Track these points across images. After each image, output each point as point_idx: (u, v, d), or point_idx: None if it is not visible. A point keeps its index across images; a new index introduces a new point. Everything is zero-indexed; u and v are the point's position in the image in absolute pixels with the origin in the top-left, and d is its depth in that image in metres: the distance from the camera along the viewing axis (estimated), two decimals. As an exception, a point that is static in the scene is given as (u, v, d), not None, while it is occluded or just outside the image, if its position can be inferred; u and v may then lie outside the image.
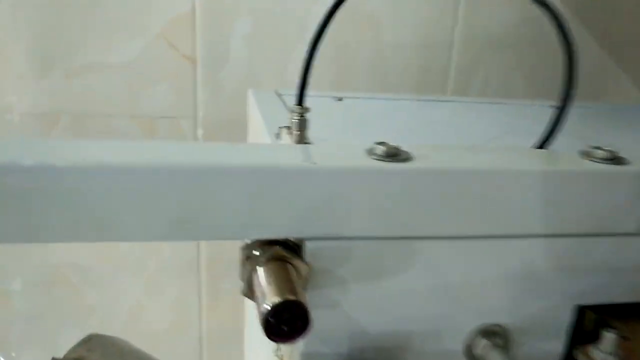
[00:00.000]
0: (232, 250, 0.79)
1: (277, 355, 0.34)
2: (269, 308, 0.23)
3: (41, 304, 0.78)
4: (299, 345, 0.29)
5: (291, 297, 0.24)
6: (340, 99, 0.57)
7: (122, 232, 0.25)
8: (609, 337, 0.27)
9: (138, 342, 0.33)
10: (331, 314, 0.28)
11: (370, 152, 0.28)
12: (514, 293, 0.30)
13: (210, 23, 0.72)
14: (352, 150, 0.28)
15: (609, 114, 0.61)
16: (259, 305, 0.24)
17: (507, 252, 0.29)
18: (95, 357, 0.27)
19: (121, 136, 0.72)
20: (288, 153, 0.27)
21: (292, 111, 0.36)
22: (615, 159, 0.30)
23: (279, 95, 0.53)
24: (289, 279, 0.25)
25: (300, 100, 0.36)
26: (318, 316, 0.28)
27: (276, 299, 0.24)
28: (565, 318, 0.31)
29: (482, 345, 0.30)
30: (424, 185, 0.27)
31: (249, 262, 0.26)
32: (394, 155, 0.27)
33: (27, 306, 0.78)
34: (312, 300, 0.28)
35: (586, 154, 0.31)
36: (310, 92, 0.35)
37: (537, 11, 0.32)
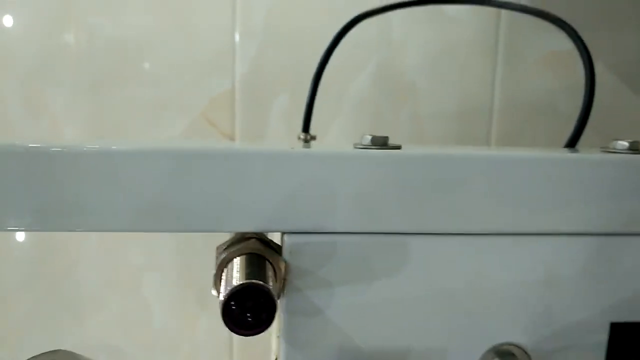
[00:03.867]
0: (266, 334, 0.77)
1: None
2: (232, 291, 0.21)
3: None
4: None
5: (256, 282, 0.22)
6: None
7: (89, 220, 0.24)
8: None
9: None
10: (314, 323, 0.26)
11: (357, 144, 0.27)
12: (533, 305, 0.26)
13: (248, 100, 0.75)
14: (340, 145, 0.27)
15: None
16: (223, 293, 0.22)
17: (522, 253, 0.26)
18: (59, 366, 0.25)
19: None
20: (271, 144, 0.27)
21: (299, 138, 0.36)
22: (637, 150, 0.27)
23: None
24: (260, 269, 0.23)
25: (306, 127, 0.36)
26: (298, 324, 0.26)
27: (240, 283, 0.22)
28: (598, 339, 0.27)
29: (497, 368, 0.26)
30: (416, 172, 0.25)
31: (223, 258, 0.25)
32: (381, 144, 0.26)
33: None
34: (292, 305, 0.26)
35: (606, 148, 0.28)
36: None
37: (577, 78, 0.32)
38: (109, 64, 0.73)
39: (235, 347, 0.82)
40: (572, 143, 0.32)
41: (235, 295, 0.22)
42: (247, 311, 0.22)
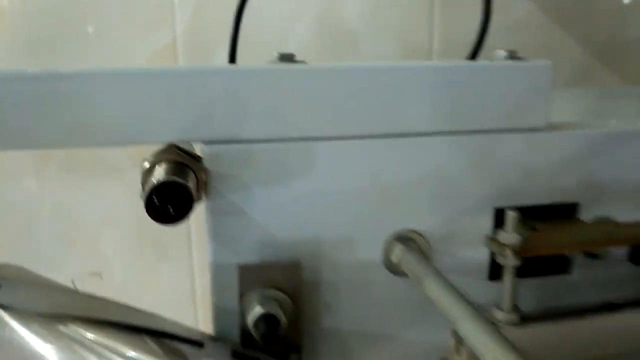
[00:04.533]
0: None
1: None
2: (154, 184, 0.25)
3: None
4: (208, 255, 0.30)
5: (175, 179, 0.25)
6: None
7: (21, 138, 0.27)
8: (511, 216, 0.27)
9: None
10: (237, 221, 0.29)
11: (267, 60, 0.30)
12: (428, 196, 0.31)
13: (191, 52, 0.77)
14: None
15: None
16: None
17: (414, 152, 0.30)
18: (8, 273, 0.29)
19: (114, 171, 0.76)
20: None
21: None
22: (515, 58, 0.31)
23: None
24: (180, 172, 0.27)
25: (232, 60, 0.39)
26: (222, 223, 0.29)
27: (162, 179, 0.25)
28: (484, 223, 0.31)
29: (398, 250, 0.30)
30: (318, 83, 0.29)
31: (148, 165, 0.28)
32: (288, 59, 0.29)
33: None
34: (216, 206, 0.29)
35: (491, 58, 0.32)
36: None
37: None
38: (47, 24, 0.73)
39: (198, 297, 0.85)
40: (472, 56, 0.36)
41: (157, 190, 0.25)
42: (168, 205, 0.25)
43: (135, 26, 0.75)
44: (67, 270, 0.78)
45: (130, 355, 0.26)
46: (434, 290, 0.26)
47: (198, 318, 0.86)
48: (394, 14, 0.81)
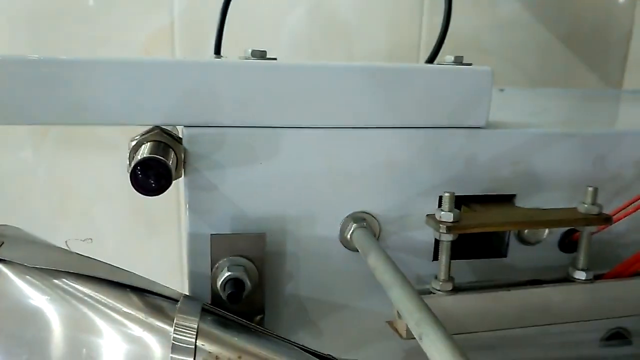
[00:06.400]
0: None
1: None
2: (138, 159, 0.29)
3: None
4: (186, 226, 0.34)
5: (157, 156, 0.30)
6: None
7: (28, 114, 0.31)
8: (446, 196, 0.32)
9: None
10: (211, 196, 0.34)
11: (242, 56, 0.34)
12: (380, 182, 0.35)
13: (188, 34, 0.81)
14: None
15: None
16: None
17: (368, 142, 0.35)
18: (8, 233, 0.33)
19: (109, 146, 0.80)
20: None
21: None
22: (460, 64, 0.35)
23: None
24: (162, 150, 0.31)
25: (217, 50, 0.44)
26: (199, 198, 0.34)
27: (145, 155, 0.30)
28: (430, 209, 0.36)
29: (351, 228, 0.35)
30: (280, 79, 0.33)
31: (134, 144, 0.33)
32: (259, 56, 0.34)
33: None
34: (192, 182, 0.34)
35: (440, 62, 0.37)
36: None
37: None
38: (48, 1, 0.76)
39: (185, 267, 0.90)
40: (430, 60, 0.40)
41: (141, 164, 0.30)
42: (150, 178, 0.30)
43: (134, 5, 0.79)
44: (60, 239, 0.83)
45: (116, 307, 0.31)
46: (375, 262, 0.31)
47: (185, 286, 0.91)
48: (385, 8, 0.85)
